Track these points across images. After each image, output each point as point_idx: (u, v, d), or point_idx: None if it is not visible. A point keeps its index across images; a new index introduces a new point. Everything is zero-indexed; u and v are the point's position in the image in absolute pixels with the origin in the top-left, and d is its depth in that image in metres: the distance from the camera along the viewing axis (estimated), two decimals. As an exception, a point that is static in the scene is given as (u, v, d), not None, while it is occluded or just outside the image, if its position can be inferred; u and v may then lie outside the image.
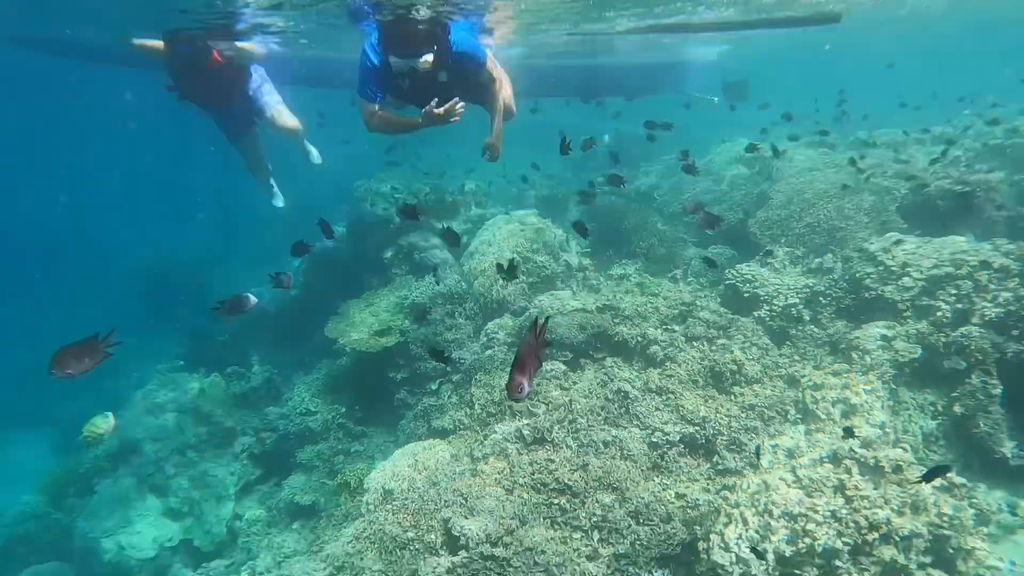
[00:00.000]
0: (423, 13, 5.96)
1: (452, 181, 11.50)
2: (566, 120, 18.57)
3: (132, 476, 8.00)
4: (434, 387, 7.13)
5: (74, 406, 12.59)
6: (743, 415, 5.56)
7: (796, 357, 6.40)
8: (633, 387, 5.79)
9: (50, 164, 32.08)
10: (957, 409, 5.35)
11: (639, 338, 6.48)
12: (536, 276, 7.68)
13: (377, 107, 4.37)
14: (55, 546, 8.13)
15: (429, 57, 3.95)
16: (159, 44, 5.87)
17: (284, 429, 7.50)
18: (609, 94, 14.06)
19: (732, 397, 5.80)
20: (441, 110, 3.95)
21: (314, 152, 7.61)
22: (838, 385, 5.82)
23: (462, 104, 4.02)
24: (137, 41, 5.89)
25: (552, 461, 5.11)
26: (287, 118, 6.49)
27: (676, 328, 6.65)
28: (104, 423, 5.75)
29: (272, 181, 7.85)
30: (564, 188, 12.44)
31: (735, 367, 5.96)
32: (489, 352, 6.84)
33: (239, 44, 6.27)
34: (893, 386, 5.75)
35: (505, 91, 4.95)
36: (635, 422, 5.52)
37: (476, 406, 5.96)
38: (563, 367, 6.29)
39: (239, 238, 18.31)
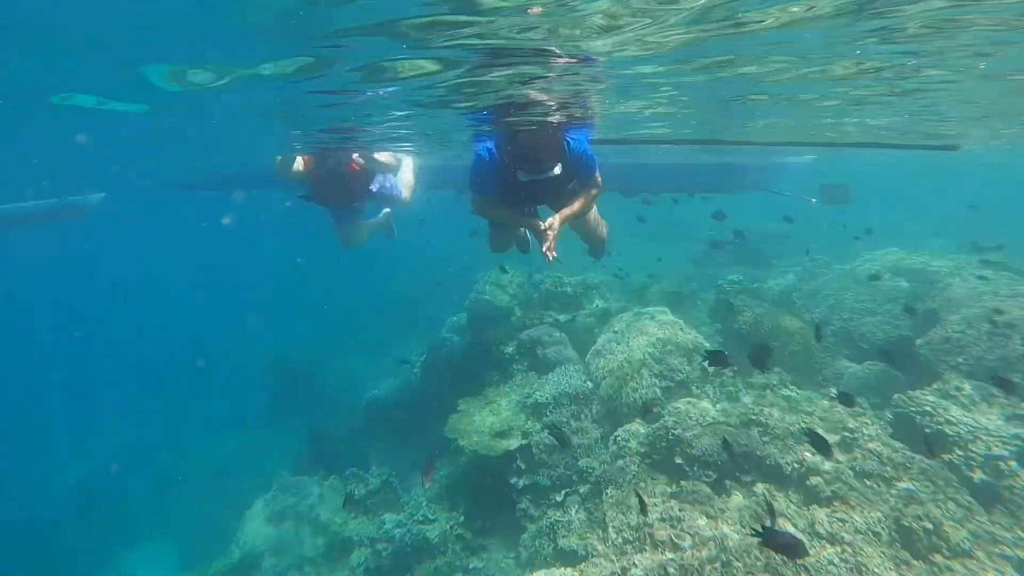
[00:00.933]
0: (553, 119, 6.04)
1: (572, 274, 11.42)
2: (682, 212, 18.36)
3: None
4: (559, 499, 6.64)
5: (200, 510, 13.13)
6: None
7: (1020, 531, 5.03)
8: (796, 527, 4.99)
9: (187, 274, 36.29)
10: None
11: (795, 464, 5.69)
12: (670, 380, 7.15)
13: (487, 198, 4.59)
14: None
15: (558, 169, 4.09)
16: (302, 164, 6.36)
17: (400, 540, 7.13)
18: (704, 191, 14.31)
19: (935, 569, 4.69)
20: (549, 242, 4.08)
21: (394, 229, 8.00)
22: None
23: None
24: (292, 168, 6.34)
25: (704, 609, 4.41)
26: (410, 193, 7.33)
27: (840, 458, 5.78)
28: None
29: (377, 224, 7.83)
30: (692, 284, 11.92)
31: (931, 526, 4.95)
32: (620, 463, 6.31)
33: (376, 155, 6.77)
34: None
35: (598, 221, 5.12)
36: (803, 574, 4.69)
37: (610, 529, 5.39)
38: (707, 489, 5.62)
39: (354, 330, 19.13)
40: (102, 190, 14.97)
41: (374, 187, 6.96)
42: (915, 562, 4.70)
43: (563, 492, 6.71)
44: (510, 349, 8.73)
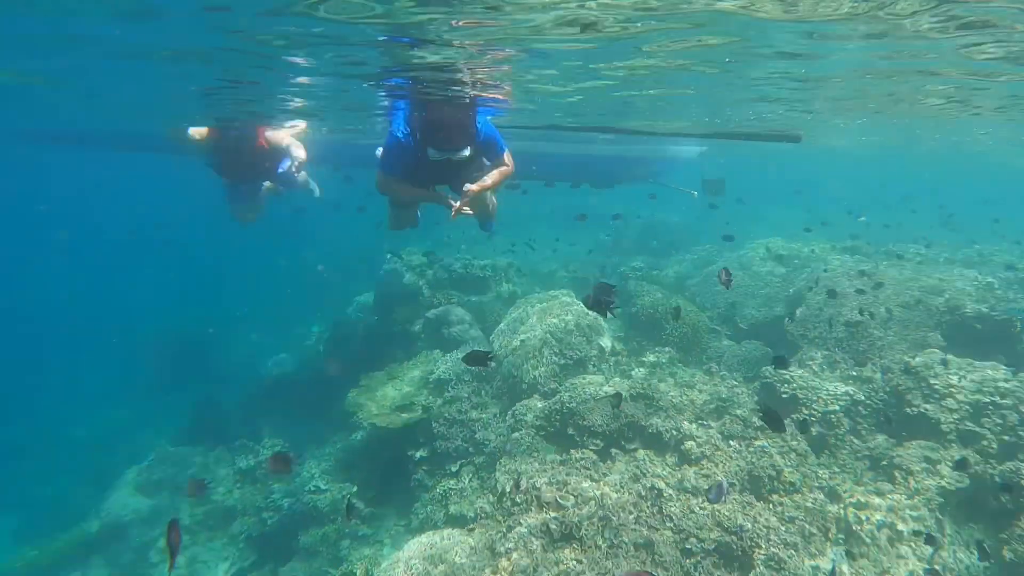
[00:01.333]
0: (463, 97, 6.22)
1: (481, 256, 11.59)
2: (579, 201, 19.06)
3: (108, 567, 7.40)
4: (455, 468, 6.81)
5: (52, 488, 12.15)
6: (783, 528, 5.14)
7: (836, 468, 6.06)
8: (667, 485, 5.43)
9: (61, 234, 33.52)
10: (1007, 554, 4.92)
11: (674, 432, 6.17)
12: (568, 358, 7.48)
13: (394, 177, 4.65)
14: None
15: (467, 151, 4.18)
16: (204, 132, 6.25)
17: (289, 508, 7.07)
18: (591, 181, 14.96)
19: (771, 506, 5.39)
20: (455, 209, 4.24)
21: (315, 186, 7.83)
22: (883, 507, 5.47)
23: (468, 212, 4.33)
24: (188, 134, 6.19)
25: (580, 562, 4.72)
26: (305, 183, 7.39)
27: (712, 424, 6.33)
28: None
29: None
30: (596, 270, 12.44)
31: (774, 472, 5.59)
32: (516, 435, 6.56)
33: (285, 135, 6.72)
34: (939, 516, 5.38)
35: (494, 202, 5.24)
36: (668, 524, 5.12)
37: (500, 494, 5.62)
38: (594, 456, 5.97)
39: (254, 306, 18.41)
40: None
41: (281, 168, 6.70)
42: (758, 503, 5.31)
43: (459, 463, 6.89)
44: (416, 327, 8.80)
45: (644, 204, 14.89)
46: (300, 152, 6.60)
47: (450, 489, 6.36)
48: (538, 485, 5.48)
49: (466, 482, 6.47)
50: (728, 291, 10.13)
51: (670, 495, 5.27)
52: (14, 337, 19.61)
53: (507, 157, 4.73)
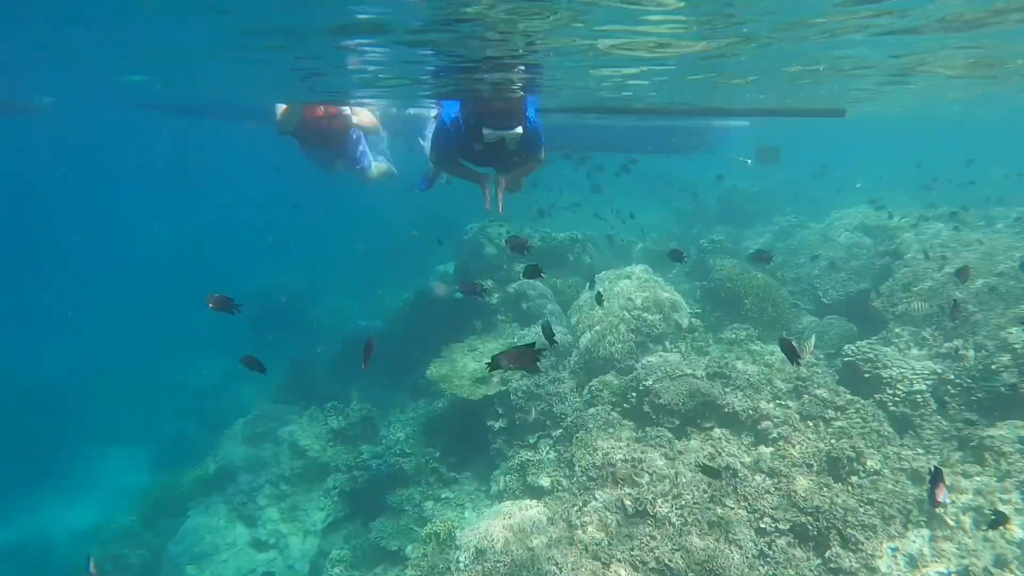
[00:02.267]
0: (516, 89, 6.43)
1: (559, 230, 11.72)
2: (661, 169, 18.68)
3: (224, 504, 8.39)
4: (532, 440, 7.15)
5: (180, 424, 13.73)
6: (861, 510, 5.11)
7: (920, 450, 5.87)
8: (742, 464, 5.51)
9: (180, 201, 36.28)
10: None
11: (750, 412, 6.19)
12: (645, 335, 7.58)
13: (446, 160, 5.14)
14: (143, 568, 8.57)
15: (519, 129, 4.42)
16: (283, 108, 7.01)
17: (376, 469, 7.71)
18: (648, 152, 15.12)
19: (849, 488, 5.35)
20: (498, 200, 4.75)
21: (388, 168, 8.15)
22: (970, 489, 5.29)
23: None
24: (287, 119, 6.89)
25: (653, 538, 4.94)
26: (377, 174, 7.68)
27: (790, 404, 6.28)
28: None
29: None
30: (674, 243, 12.25)
31: (853, 454, 5.52)
32: (592, 410, 6.80)
33: (348, 110, 7.21)
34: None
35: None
36: (743, 503, 5.23)
37: (576, 468, 5.91)
38: (669, 434, 6.12)
39: (339, 271, 19.49)
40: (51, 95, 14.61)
41: (352, 135, 7.27)
42: (836, 485, 5.30)
43: (536, 435, 7.22)
44: (495, 300, 9.11)
45: (719, 172, 14.51)
46: (370, 120, 7.21)
47: (528, 460, 6.71)
48: (613, 461, 5.71)
49: (544, 454, 6.80)
50: (812, 266, 9.76)
51: (745, 475, 5.35)
52: (137, 290, 21.98)
53: (541, 155, 5.03)
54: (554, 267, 10.83)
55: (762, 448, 5.77)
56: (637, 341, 7.56)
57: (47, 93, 14.24)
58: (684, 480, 5.37)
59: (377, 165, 7.72)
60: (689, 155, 16.49)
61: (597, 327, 7.75)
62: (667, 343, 7.75)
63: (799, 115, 14.06)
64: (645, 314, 7.81)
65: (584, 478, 5.78)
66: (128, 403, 14.77)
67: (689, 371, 6.74)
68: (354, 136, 7.34)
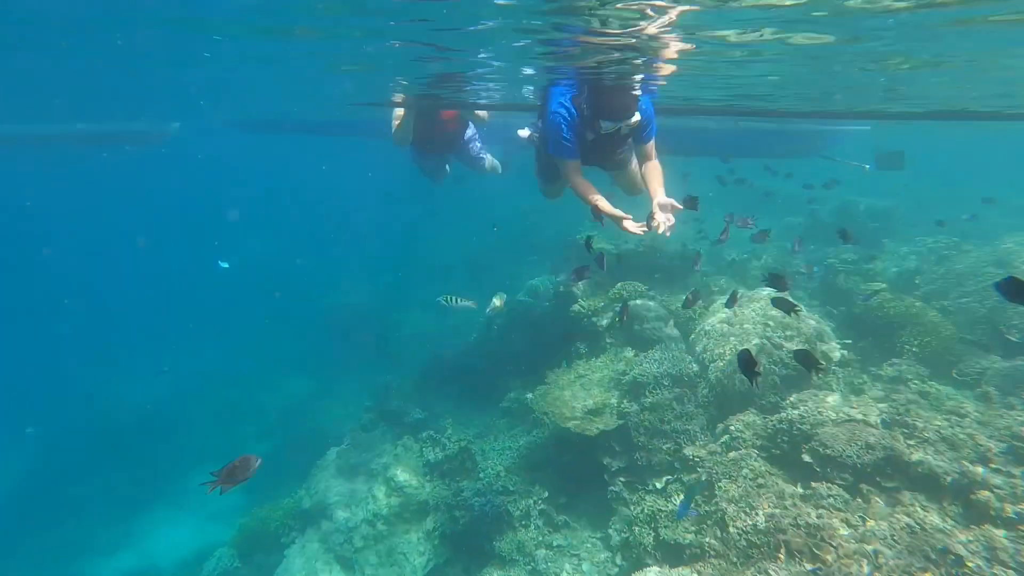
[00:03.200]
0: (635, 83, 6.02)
1: (666, 243, 10.62)
2: (762, 180, 17.34)
3: (320, 543, 7.72)
4: (660, 485, 6.09)
5: (266, 446, 13.40)
6: None
7: None
8: (968, 551, 4.24)
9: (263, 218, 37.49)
10: None
11: (955, 474, 4.90)
12: (792, 368, 6.38)
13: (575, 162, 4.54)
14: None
15: (637, 117, 4.16)
16: (401, 112, 6.82)
17: (480, 508, 6.80)
18: (756, 156, 14.63)
19: None
20: (638, 229, 4.06)
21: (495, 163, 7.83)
22: None
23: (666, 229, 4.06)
24: (397, 114, 6.80)
25: (858, 638, 3.78)
26: (490, 167, 7.51)
27: (1013, 471, 4.93)
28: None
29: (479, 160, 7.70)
30: (796, 261, 10.90)
31: None
32: (734, 455, 5.67)
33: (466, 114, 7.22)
34: None
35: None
36: (973, 601, 3.97)
37: (731, 528, 4.80)
38: (844, 494, 4.91)
39: (419, 285, 19.07)
40: (179, 119, 15.81)
41: (468, 133, 7.23)
42: None
43: (664, 479, 6.15)
44: (604, 321, 8.13)
45: (831, 178, 13.10)
46: (480, 113, 7.13)
47: (660, 511, 5.64)
48: (782, 526, 4.58)
49: (677, 503, 5.70)
50: (984, 295, 8.25)
51: (978, 567, 4.08)
52: (216, 308, 22.36)
53: (653, 146, 4.67)
54: (662, 285, 9.75)
55: (989, 528, 4.45)
56: (781, 375, 6.37)
57: (175, 119, 15.61)
58: (888, 562, 4.16)
59: (490, 160, 7.46)
60: (800, 159, 15.70)
61: (730, 357, 6.62)
62: (815, 377, 6.50)
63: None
64: (787, 343, 6.61)
65: (743, 543, 4.66)
66: (216, 425, 14.78)
67: (859, 416, 5.51)
68: (470, 133, 7.20)
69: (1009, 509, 4.46)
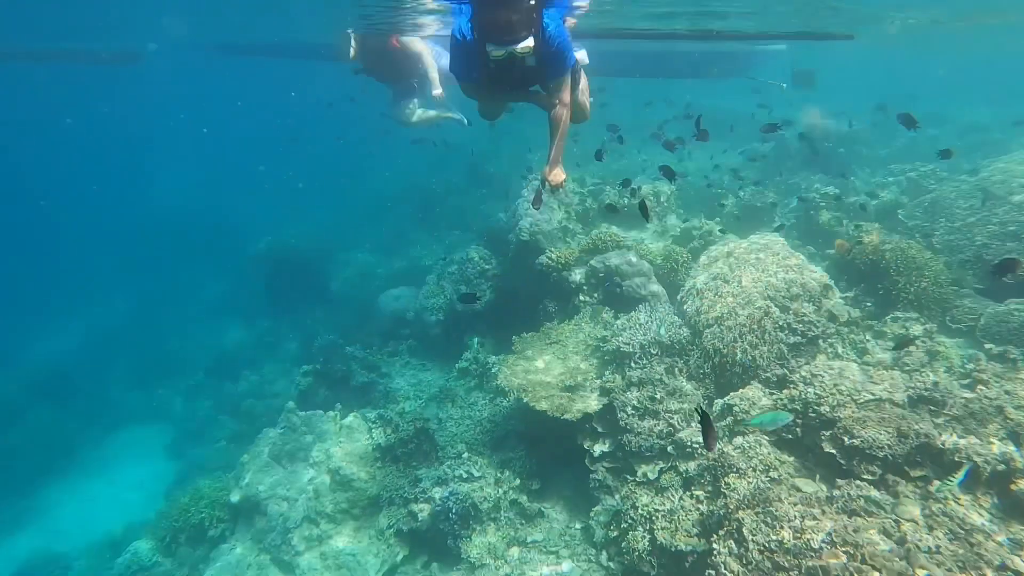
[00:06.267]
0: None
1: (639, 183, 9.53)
2: (715, 105, 16.66)
3: (254, 544, 6.67)
4: (652, 475, 5.31)
5: (195, 406, 12.17)
6: None
7: None
8: (1021, 559, 3.66)
9: (183, 152, 33.86)
10: None
11: (992, 460, 4.29)
12: (799, 334, 5.59)
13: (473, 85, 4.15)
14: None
15: (530, 42, 3.57)
16: (353, 49, 7.25)
17: (442, 502, 5.87)
18: (682, 76, 15.42)
19: None
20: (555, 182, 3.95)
21: (459, 116, 7.83)
22: None
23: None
24: (347, 53, 7.21)
25: None
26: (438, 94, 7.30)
27: (1056, 453, 4.38)
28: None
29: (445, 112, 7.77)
30: (771, 196, 10.07)
31: None
32: (741, 441, 4.91)
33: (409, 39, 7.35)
34: None
35: (582, 95, 4.59)
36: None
37: (750, 543, 4.07)
38: (876, 494, 4.25)
39: (361, 223, 17.48)
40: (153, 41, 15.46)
41: (420, 66, 7.23)
42: None
43: (656, 467, 5.38)
44: (577, 276, 7.09)
45: (760, 103, 12.56)
46: (427, 56, 7.17)
47: (656, 511, 4.88)
48: (814, 544, 3.86)
49: (676, 500, 4.96)
50: (972, 231, 7.70)
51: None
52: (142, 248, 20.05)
53: (577, 69, 4.23)
54: (633, 229, 8.75)
55: (1037, 528, 3.89)
56: (789, 342, 5.58)
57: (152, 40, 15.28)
58: (937, 583, 3.53)
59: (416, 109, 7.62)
60: (724, 79, 16.75)
61: (729, 322, 5.76)
62: (823, 343, 5.78)
63: (806, 38, 14.35)
64: (794, 303, 5.80)
65: (768, 564, 3.94)
66: (139, 382, 13.24)
67: (884, 393, 4.81)
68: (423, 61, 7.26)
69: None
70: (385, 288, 11.29)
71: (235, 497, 6.79)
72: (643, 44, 13.64)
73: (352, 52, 7.14)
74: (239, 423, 10.71)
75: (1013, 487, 4.18)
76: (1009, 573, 3.59)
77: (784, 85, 14.20)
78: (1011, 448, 4.38)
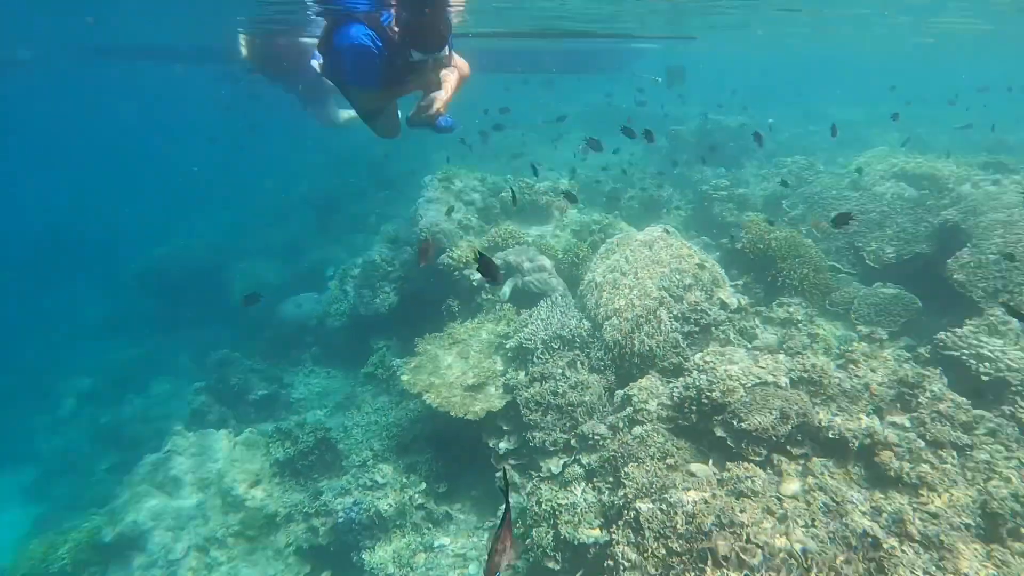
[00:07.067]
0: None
1: (527, 175, 9.55)
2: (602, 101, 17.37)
3: None
4: (556, 469, 5.34)
5: (63, 440, 10.82)
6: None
7: None
8: (879, 526, 3.97)
9: (61, 160, 30.75)
10: None
11: (858, 434, 4.64)
12: (692, 323, 5.80)
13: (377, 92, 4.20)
14: None
15: (447, 52, 3.83)
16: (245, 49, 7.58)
17: (346, 514, 5.62)
18: (560, 72, 16.19)
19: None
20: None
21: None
22: None
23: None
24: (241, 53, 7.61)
25: (800, 663, 3.33)
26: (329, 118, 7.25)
27: (904, 422, 4.80)
28: None
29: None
30: (668, 189, 10.44)
31: (1018, 506, 4.10)
32: (639, 430, 5.02)
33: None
34: None
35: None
36: (899, 588, 3.71)
37: (646, 531, 4.15)
38: (762, 473, 4.47)
39: (254, 232, 16.49)
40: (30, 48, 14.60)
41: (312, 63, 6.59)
42: (1015, 560, 3.84)
43: (560, 462, 5.41)
44: (478, 275, 6.99)
45: (640, 99, 13.26)
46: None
47: (560, 506, 4.90)
48: (704, 527, 4.00)
49: (579, 495, 5.01)
50: (863, 227, 8.33)
51: (892, 547, 3.78)
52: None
53: (456, 60, 4.30)
54: (537, 223, 8.78)
55: (894, 495, 4.23)
56: (684, 331, 5.78)
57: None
58: (814, 557, 3.75)
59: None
60: (609, 74, 18.00)
61: (627, 313, 5.88)
62: (715, 330, 6.03)
63: (654, 39, 15.41)
64: (688, 294, 6.02)
65: (663, 551, 4.04)
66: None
67: (769, 377, 5.08)
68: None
69: (908, 470, 4.27)
70: (287, 295, 10.71)
71: (108, 535, 6.10)
72: (528, 42, 14.33)
73: (244, 52, 7.47)
74: (120, 452, 9.64)
75: (875, 458, 4.54)
76: (869, 539, 3.88)
77: (658, 79, 15.41)
78: (875, 422, 4.76)
